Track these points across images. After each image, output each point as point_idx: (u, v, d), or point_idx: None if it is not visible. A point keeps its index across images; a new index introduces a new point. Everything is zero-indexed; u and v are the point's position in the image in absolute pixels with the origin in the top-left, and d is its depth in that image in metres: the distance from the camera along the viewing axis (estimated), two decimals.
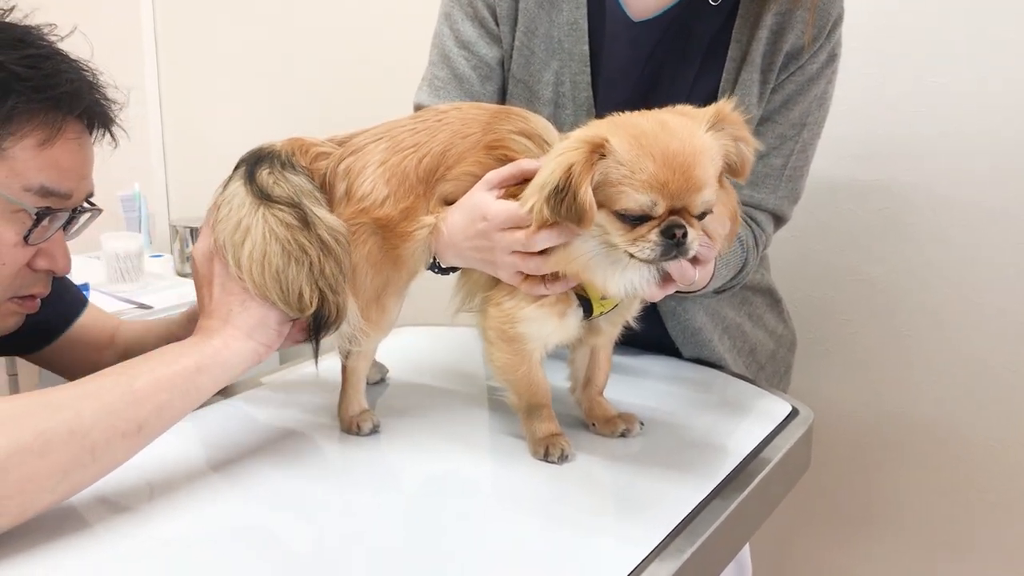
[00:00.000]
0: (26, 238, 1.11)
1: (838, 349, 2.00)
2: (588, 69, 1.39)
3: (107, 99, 1.20)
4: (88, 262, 2.81)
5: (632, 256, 0.99)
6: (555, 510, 1.02)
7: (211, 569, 0.88)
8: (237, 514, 1.00)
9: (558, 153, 0.99)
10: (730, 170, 1.03)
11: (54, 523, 0.92)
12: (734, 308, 1.56)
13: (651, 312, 1.49)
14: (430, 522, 0.99)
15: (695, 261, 1.03)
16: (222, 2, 3.10)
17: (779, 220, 1.46)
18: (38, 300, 1.22)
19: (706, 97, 1.36)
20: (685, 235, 0.96)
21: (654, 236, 0.96)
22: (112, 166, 3.34)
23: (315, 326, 1.08)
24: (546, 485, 1.06)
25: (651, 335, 1.50)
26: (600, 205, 0.97)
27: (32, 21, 1.15)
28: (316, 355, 1.12)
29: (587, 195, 0.95)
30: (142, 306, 2.47)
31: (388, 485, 1.09)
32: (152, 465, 1.04)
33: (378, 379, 1.38)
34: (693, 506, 1.01)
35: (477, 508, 1.03)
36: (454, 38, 1.43)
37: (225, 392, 1.30)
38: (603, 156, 0.96)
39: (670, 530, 0.96)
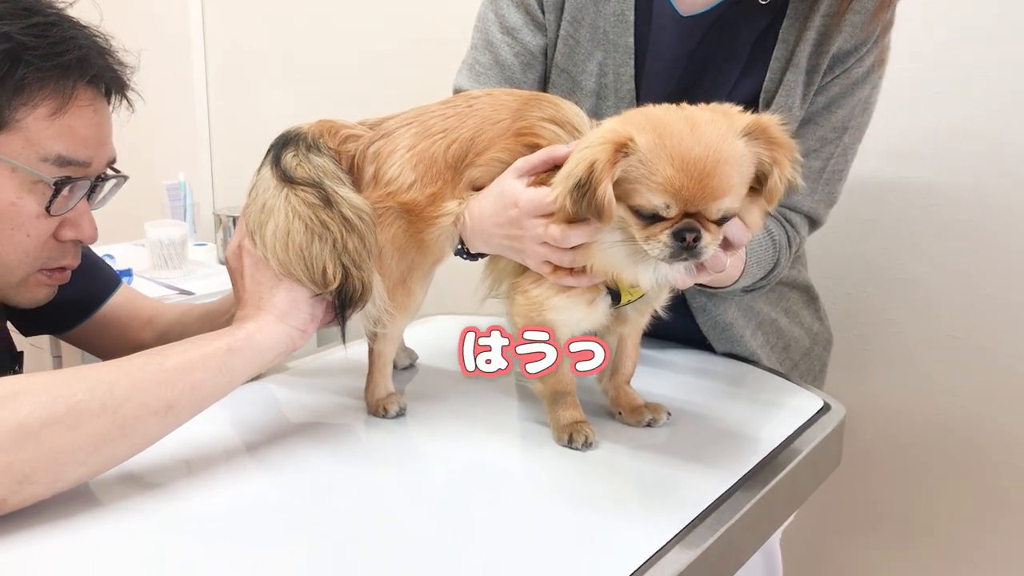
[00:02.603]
0: (48, 209, 1.12)
1: (879, 349, 1.96)
2: (632, 61, 1.38)
3: (120, 64, 1.19)
4: (133, 249, 2.87)
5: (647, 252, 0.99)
6: (576, 495, 1.01)
7: (238, 544, 0.89)
8: (263, 492, 1.02)
9: (584, 146, 0.99)
10: (759, 183, 1.00)
11: (85, 497, 0.94)
12: (769, 303, 1.54)
13: (682, 307, 1.48)
14: (452, 504, 0.99)
15: (728, 247, 1.02)
16: None
17: (814, 223, 1.44)
18: (68, 272, 1.23)
19: (749, 95, 1.35)
20: (697, 239, 0.95)
21: (665, 237, 0.96)
22: (158, 155, 3.41)
23: (340, 302, 1.09)
24: (569, 471, 1.06)
25: (683, 330, 1.50)
26: (619, 199, 0.97)
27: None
28: (343, 332, 1.13)
29: (606, 193, 0.95)
30: (184, 292, 2.51)
31: (412, 467, 1.10)
32: (182, 444, 1.05)
33: (407, 364, 1.39)
34: (717, 495, 1.00)
35: (499, 491, 1.04)
36: (499, 24, 1.43)
37: (255, 376, 1.31)
38: (627, 154, 0.96)
39: (692, 518, 0.95)
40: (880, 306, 1.95)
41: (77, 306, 1.43)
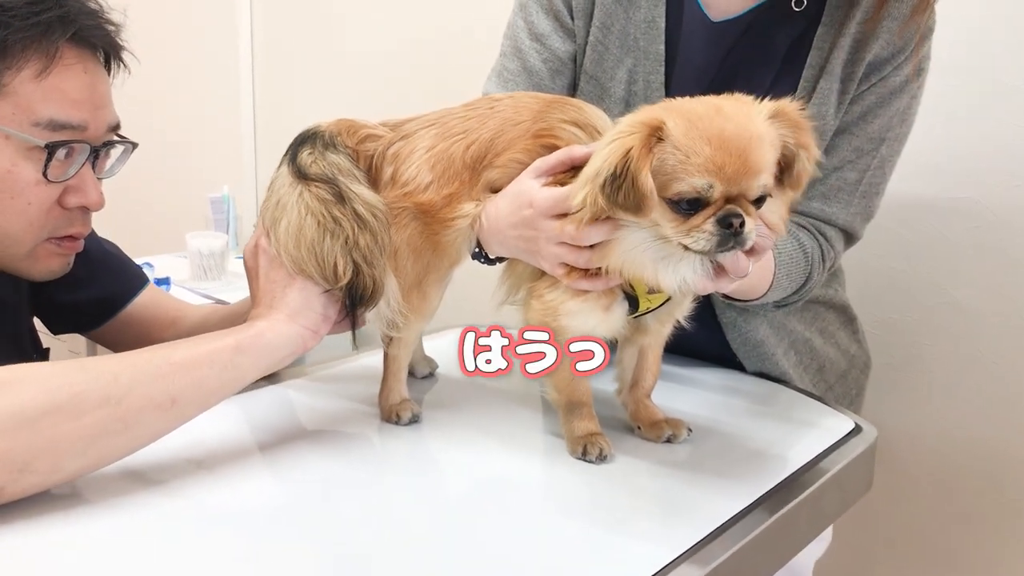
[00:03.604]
0: (45, 174, 1.11)
1: (919, 374, 1.90)
2: (662, 69, 1.36)
3: (111, 23, 1.18)
4: (173, 260, 2.90)
5: (687, 248, 0.95)
6: (588, 508, 0.99)
7: (244, 545, 0.88)
8: (272, 494, 1.01)
9: (612, 138, 0.96)
10: (785, 168, 0.98)
11: (91, 492, 0.93)
12: (804, 322, 1.50)
13: (712, 323, 1.44)
14: (461, 512, 0.98)
15: (750, 252, 0.98)
16: (317, 7, 3.17)
17: (850, 238, 1.39)
18: (79, 241, 1.22)
19: None
20: (743, 224, 0.92)
21: (710, 226, 0.93)
22: (204, 168, 3.43)
23: (351, 300, 1.07)
24: (582, 483, 1.03)
25: (713, 346, 1.46)
26: None
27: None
28: (354, 334, 1.11)
29: (647, 180, 0.92)
30: (220, 302, 2.52)
31: (423, 475, 1.08)
32: (193, 443, 1.04)
33: (427, 373, 1.37)
34: (734, 512, 0.96)
35: (509, 501, 1.01)
36: (527, 30, 1.42)
37: (272, 379, 1.30)
38: (660, 140, 0.93)
39: (706, 534, 0.91)
40: (922, 330, 1.89)
41: (103, 304, 1.44)
